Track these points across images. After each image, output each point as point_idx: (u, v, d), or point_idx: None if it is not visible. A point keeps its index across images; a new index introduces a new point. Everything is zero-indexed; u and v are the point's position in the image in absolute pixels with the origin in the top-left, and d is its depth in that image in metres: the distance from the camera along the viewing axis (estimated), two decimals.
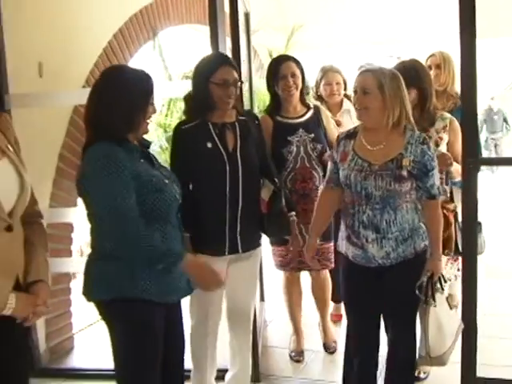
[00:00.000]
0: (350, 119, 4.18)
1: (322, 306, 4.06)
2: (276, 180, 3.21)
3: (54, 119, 4.18)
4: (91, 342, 4.48)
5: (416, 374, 3.39)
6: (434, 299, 2.86)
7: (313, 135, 3.68)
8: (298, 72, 3.65)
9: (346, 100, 4.35)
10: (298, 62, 3.71)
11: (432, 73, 3.99)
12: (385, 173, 2.79)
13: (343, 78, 4.38)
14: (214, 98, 2.95)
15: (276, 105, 3.74)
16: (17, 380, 2.19)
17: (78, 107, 4.29)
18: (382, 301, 2.94)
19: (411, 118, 2.84)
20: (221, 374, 3.42)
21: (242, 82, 3.11)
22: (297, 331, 4.06)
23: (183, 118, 3.18)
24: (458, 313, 3.18)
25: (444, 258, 3.40)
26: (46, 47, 3.93)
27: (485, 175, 10.92)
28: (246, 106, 3.58)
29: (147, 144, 2.55)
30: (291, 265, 3.78)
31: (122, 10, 4.80)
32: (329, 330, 4.13)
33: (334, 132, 3.74)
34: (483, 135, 12.57)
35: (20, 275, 2.15)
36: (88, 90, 4.42)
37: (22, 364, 2.23)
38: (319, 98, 4.35)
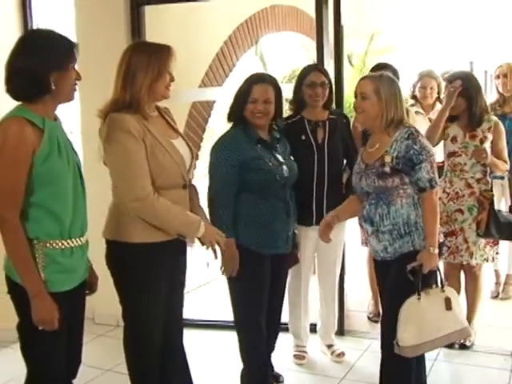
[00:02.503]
0: None
1: None
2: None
3: (178, 113, 4.90)
4: (196, 300, 5.17)
5: (462, 342, 3.86)
6: (418, 292, 2.80)
7: None
8: None
9: (438, 103, 4.68)
10: (393, 71, 3.91)
11: (500, 81, 4.61)
12: (370, 171, 2.92)
13: (438, 83, 4.69)
14: (305, 97, 3.66)
15: None
16: (181, 287, 2.94)
17: (195, 103, 5.08)
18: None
19: (405, 118, 2.94)
20: (313, 327, 4.07)
21: (330, 85, 3.74)
22: (375, 297, 4.57)
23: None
24: (459, 317, 2.94)
25: (483, 240, 3.83)
26: None
27: None
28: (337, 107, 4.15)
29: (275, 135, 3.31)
30: None
31: (230, 21, 5.55)
32: None
33: None
34: None
35: None
36: (203, 89, 5.18)
37: (185, 278, 2.98)
38: (414, 97, 4.78)
